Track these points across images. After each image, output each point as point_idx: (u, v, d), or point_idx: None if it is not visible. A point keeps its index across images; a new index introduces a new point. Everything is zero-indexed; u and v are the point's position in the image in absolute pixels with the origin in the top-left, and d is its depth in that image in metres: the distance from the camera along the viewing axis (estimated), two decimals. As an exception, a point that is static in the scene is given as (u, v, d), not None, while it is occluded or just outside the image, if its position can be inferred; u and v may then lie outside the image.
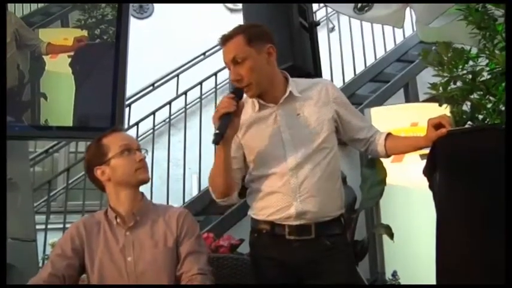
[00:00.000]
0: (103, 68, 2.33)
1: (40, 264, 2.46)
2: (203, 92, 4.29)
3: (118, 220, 1.60)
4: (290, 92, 1.64)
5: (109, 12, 2.36)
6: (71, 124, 2.28)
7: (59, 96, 2.30)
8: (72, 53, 2.30)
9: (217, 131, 1.46)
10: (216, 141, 1.47)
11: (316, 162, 1.60)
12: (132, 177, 1.60)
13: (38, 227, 2.60)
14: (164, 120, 4.38)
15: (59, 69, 2.29)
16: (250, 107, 1.66)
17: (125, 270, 1.55)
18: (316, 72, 2.64)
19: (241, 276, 1.79)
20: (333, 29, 4.80)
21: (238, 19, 2.88)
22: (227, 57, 1.58)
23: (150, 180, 3.68)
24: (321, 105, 1.66)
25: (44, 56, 2.27)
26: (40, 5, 2.32)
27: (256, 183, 1.65)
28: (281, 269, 1.60)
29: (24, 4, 2.28)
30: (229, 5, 5.30)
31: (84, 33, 2.32)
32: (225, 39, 1.60)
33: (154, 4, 5.10)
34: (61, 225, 3.46)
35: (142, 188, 1.67)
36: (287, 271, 1.59)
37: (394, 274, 2.78)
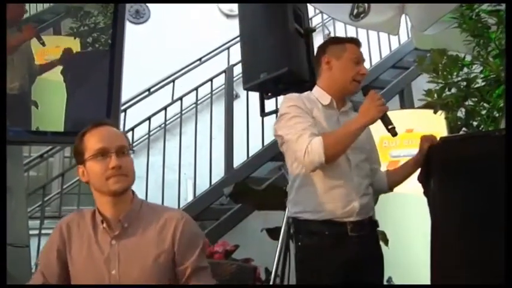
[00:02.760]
0: (96, 74, 2.32)
1: (33, 270, 2.44)
2: (199, 98, 4.29)
3: (104, 225, 1.40)
4: (351, 105, 1.90)
5: (101, 20, 2.36)
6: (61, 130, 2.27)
7: (51, 103, 2.28)
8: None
9: (393, 125, 1.64)
10: (396, 134, 1.64)
11: (367, 166, 1.82)
12: (103, 187, 1.37)
13: (31, 232, 2.58)
14: (160, 126, 4.37)
15: (50, 77, 2.27)
16: (317, 103, 1.82)
17: (108, 283, 1.37)
18: (312, 78, 2.64)
19: (236, 282, 1.78)
20: (328, 36, 4.81)
21: (234, 24, 2.89)
22: (362, 56, 1.85)
23: (146, 185, 3.70)
24: None
25: (36, 63, 2.26)
26: (33, 11, 2.30)
27: (315, 177, 1.70)
28: (343, 270, 1.64)
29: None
30: (225, 11, 5.31)
31: (77, 41, 2.31)
32: (360, 43, 1.89)
33: (150, 9, 5.10)
34: (55, 231, 3.43)
35: (137, 192, 1.48)
36: (349, 270, 1.65)
37: (389, 280, 2.77)
